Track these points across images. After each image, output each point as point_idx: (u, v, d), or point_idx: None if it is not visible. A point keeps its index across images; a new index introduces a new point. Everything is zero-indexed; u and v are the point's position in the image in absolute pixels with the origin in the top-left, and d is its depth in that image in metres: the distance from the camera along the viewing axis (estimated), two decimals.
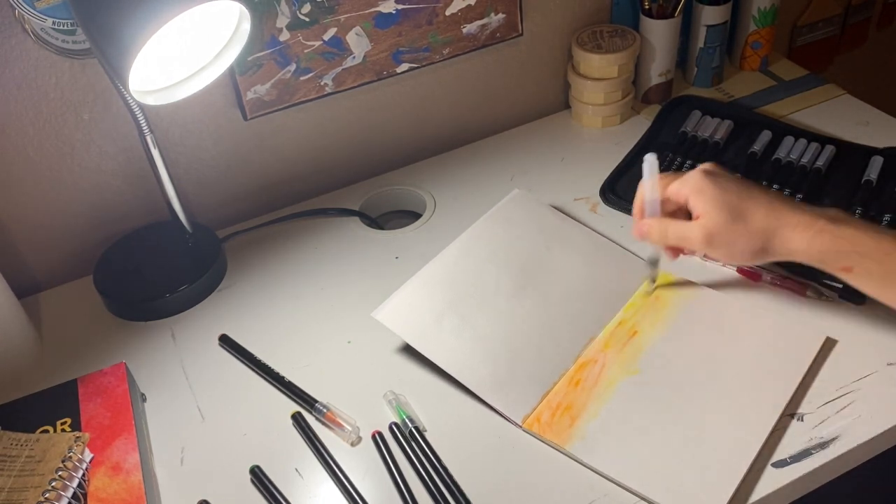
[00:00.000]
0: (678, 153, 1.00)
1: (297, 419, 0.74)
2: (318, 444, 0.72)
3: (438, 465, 0.70)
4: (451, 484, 0.68)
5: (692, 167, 0.96)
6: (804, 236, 0.69)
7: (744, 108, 1.08)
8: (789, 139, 0.99)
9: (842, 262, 0.69)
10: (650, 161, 0.76)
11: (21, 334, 0.84)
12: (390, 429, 0.73)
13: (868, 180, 0.91)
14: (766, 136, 1.00)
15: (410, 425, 0.73)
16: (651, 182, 0.76)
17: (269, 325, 0.86)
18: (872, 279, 0.69)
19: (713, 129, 1.01)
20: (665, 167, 0.99)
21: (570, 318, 0.81)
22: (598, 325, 0.80)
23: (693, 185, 0.73)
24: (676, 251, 0.78)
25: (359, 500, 0.68)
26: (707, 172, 0.73)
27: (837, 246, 0.68)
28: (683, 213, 0.76)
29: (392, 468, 0.70)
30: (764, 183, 0.94)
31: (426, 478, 0.69)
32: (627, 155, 1.02)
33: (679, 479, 0.67)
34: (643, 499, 0.66)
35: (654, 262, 0.82)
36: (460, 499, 0.67)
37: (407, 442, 0.72)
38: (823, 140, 0.98)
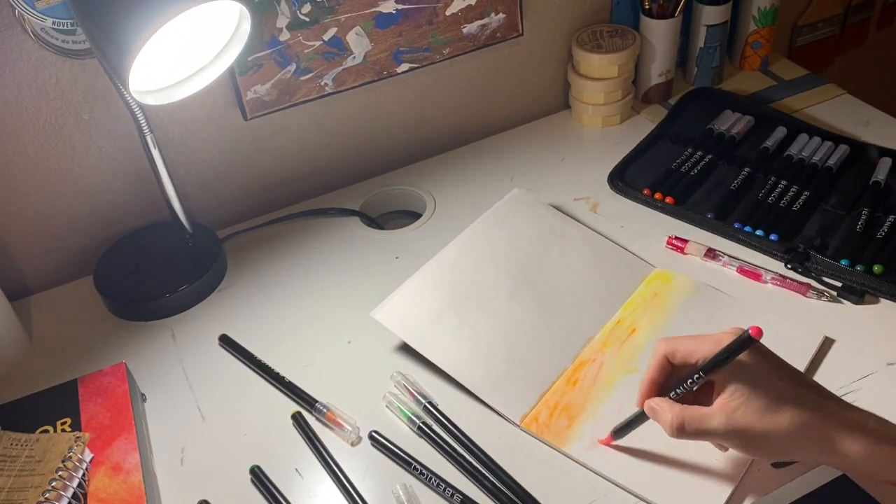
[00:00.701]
0: (690, 145, 1.01)
1: (297, 419, 0.74)
2: (318, 444, 0.72)
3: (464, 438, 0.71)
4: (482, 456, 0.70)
5: (704, 160, 0.98)
6: (860, 441, 0.56)
7: (762, 103, 1.08)
8: (803, 136, 0.99)
9: (890, 479, 0.58)
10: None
11: (10, 335, 0.84)
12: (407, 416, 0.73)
13: (876, 181, 0.91)
14: (780, 132, 1.00)
15: (424, 401, 0.74)
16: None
17: (269, 325, 0.86)
18: None
19: (731, 123, 1.02)
20: (679, 159, 0.99)
21: (568, 317, 0.81)
22: (597, 325, 0.80)
23: (728, 366, 0.59)
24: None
25: (359, 500, 0.68)
26: (744, 343, 0.58)
27: (888, 469, 0.57)
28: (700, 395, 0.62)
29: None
30: (772, 179, 0.94)
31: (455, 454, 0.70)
32: (639, 144, 1.03)
33: (677, 479, 0.67)
34: (641, 499, 0.66)
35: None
36: (493, 469, 0.68)
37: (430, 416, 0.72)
38: (838, 139, 0.98)
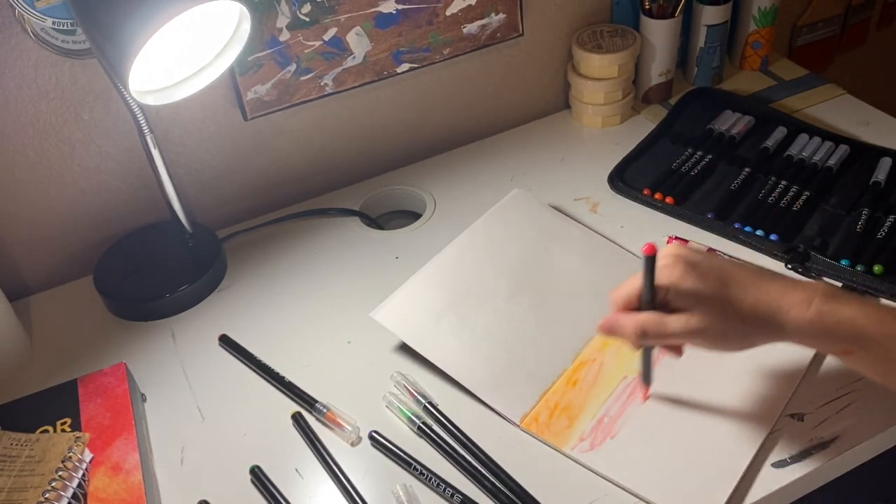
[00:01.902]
0: (690, 145, 1.01)
1: (297, 419, 0.74)
2: (318, 444, 0.72)
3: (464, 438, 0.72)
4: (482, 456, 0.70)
5: (704, 160, 0.98)
6: (801, 319, 0.61)
7: (762, 103, 1.08)
8: (803, 136, 0.99)
9: (841, 345, 0.63)
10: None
11: (10, 335, 0.84)
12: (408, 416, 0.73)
13: (876, 181, 0.91)
14: (780, 132, 1.00)
15: (424, 401, 0.74)
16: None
17: (269, 325, 0.86)
18: (874, 363, 0.62)
19: (731, 123, 1.02)
20: (679, 159, 0.99)
21: (568, 317, 0.81)
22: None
23: (669, 280, 0.63)
24: (677, 350, 0.68)
25: (359, 500, 0.68)
26: (677, 259, 0.63)
27: (838, 328, 0.61)
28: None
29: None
30: (772, 179, 0.94)
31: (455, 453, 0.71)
32: (639, 144, 1.03)
33: (677, 479, 0.67)
34: (641, 499, 0.66)
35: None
36: (493, 468, 0.68)
37: (429, 416, 0.72)
38: (838, 139, 0.98)
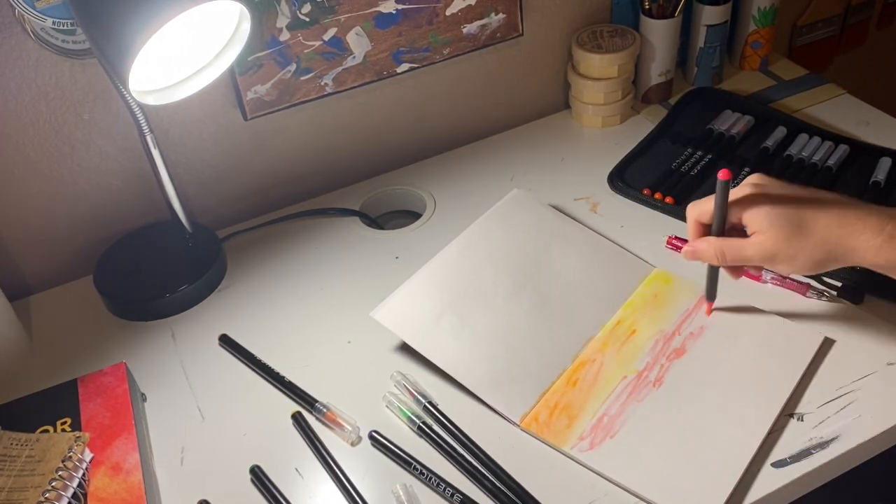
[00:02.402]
0: (690, 145, 1.01)
1: (298, 419, 0.74)
2: (318, 444, 0.72)
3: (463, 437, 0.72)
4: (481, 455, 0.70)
5: (704, 160, 0.98)
6: (872, 244, 0.66)
7: (762, 103, 1.08)
8: (803, 136, 0.99)
9: None
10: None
11: (10, 335, 0.84)
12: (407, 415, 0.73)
13: (876, 181, 0.91)
14: (780, 132, 1.00)
15: (424, 401, 0.74)
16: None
17: (269, 325, 0.86)
18: None
19: (731, 123, 1.02)
20: (679, 159, 0.99)
21: (568, 317, 0.81)
22: (597, 325, 0.80)
23: (744, 203, 0.70)
24: (737, 271, 0.75)
25: (359, 500, 0.68)
26: (756, 185, 0.70)
27: None
28: (738, 231, 0.72)
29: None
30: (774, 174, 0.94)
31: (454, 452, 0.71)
32: (639, 144, 1.03)
33: (676, 478, 0.67)
34: (641, 499, 0.66)
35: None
36: (492, 467, 0.69)
37: (429, 416, 0.72)
38: (838, 139, 0.98)
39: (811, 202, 0.69)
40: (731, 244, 0.71)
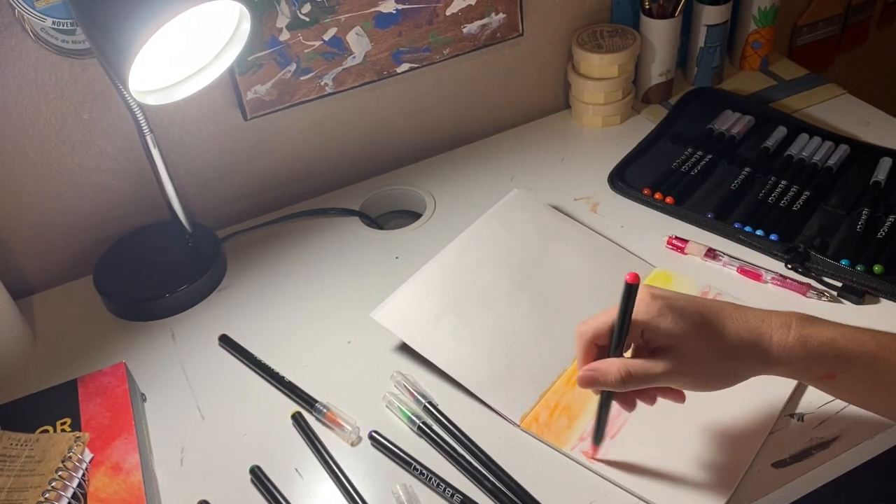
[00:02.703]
0: (690, 145, 1.01)
1: (297, 419, 0.74)
2: (318, 444, 0.72)
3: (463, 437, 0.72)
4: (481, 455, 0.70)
5: (704, 160, 0.98)
6: (784, 343, 0.60)
7: (762, 103, 1.08)
8: (803, 136, 0.99)
9: (824, 369, 0.61)
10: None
11: (15, 335, 0.84)
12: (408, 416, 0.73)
13: (876, 181, 0.91)
14: (780, 132, 1.00)
15: (424, 401, 0.74)
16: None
17: (269, 325, 0.86)
18: (856, 385, 0.63)
19: (731, 123, 1.02)
20: (679, 159, 0.99)
21: (568, 317, 0.81)
22: None
23: (646, 316, 0.60)
24: (631, 402, 0.65)
25: (359, 500, 0.68)
26: (654, 297, 0.61)
27: (820, 350, 0.60)
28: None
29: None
30: (772, 179, 0.94)
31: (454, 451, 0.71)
32: (639, 144, 1.03)
33: (677, 479, 0.67)
34: (641, 499, 0.66)
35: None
36: (491, 466, 0.69)
37: (429, 416, 0.72)
38: (838, 139, 0.98)
39: (715, 310, 0.61)
40: (638, 362, 0.61)
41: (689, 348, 0.60)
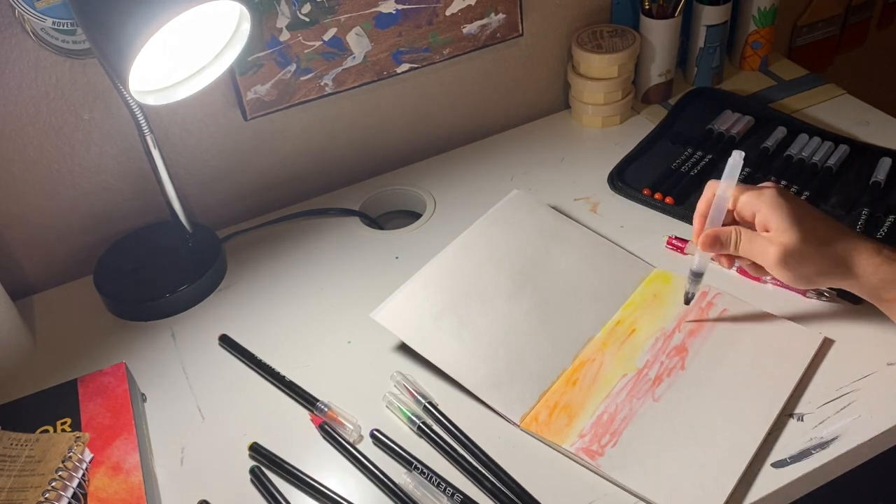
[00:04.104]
0: (690, 145, 1.01)
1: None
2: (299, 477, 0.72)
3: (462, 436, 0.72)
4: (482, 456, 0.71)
5: (704, 160, 0.98)
6: (871, 262, 0.70)
7: (761, 103, 1.08)
8: (803, 136, 0.99)
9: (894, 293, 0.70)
10: (736, 161, 0.72)
11: (15, 335, 0.84)
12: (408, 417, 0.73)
13: (876, 181, 0.91)
14: (780, 132, 1.00)
15: (424, 401, 0.74)
16: (727, 185, 0.73)
17: (269, 325, 0.86)
18: None
19: (731, 123, 1.02)
20: (679, 159, 0.99)
21: (568, 317, 0.81)
22: (597, 325, 0.80)
23: (769, 200, 0.71)
24: (732, 260, 0.76)
25: (359, 501, 0.68)
26: (780, 190, 0.72)
27: None
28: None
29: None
30: (772, 178, 0.94)
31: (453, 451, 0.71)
32: (639, 144, 1.03)
33: (676, 478, 0.67)
34: (641, 499, 0.66)
35: (698, 275, 0.77)
36: (489, 464, 0.68)
37: (429, 417, 0.72)
38: (838, 139, 0.98)
39: (824, 217, 0.72)
40: (749, 236, 0.72)
41: (796, 238, 0.69)
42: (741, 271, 0.84)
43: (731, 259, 0.76)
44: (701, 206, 0.75)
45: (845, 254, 0.70)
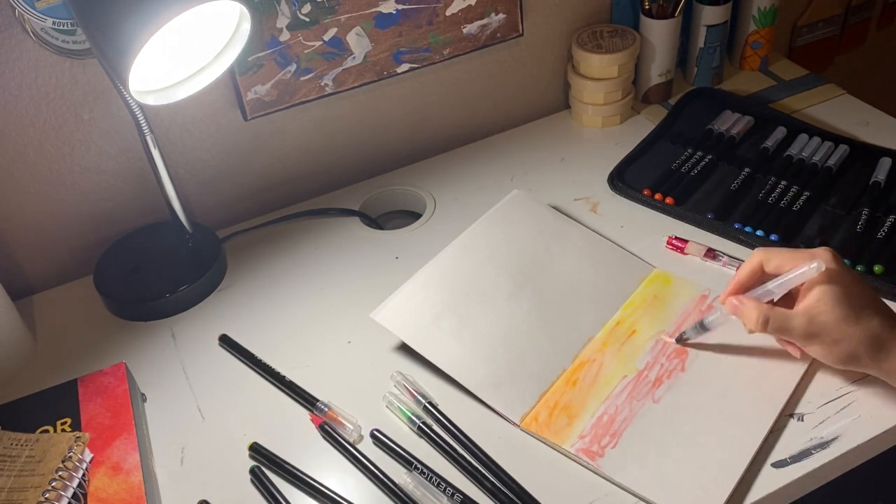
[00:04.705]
0: (690, 145, 1.01)
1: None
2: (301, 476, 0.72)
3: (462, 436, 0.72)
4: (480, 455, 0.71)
5: (704, 160, 0.98)
6: None
7: (761, 103, 1.08)
8: (803, 136, 0.99)
9: None
10: (813, 269, 0.66)
11: (15, 335, 0.84)
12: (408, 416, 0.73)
13: (876, 181, 0.91)
14: (780, 132, 1.00)
15: (424, 401, 0.74)
16: (792, 281, 0.68)
17: (269, 325, 0.86)
18: None
19: (731, 123, 1.02)
20: (679, 159, 0.99)
21: (568, 318, 0.81)
22: (597, 325, 0.80)
23: (816, 275, 0.67)
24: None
25: (359, 501, 0.68)
26: (832, 261, 0.67)
27: None
28: (783, 301, 0.70)
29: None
30: (772, 179, 0.94)
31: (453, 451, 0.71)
32: (639, 144, 1.03)
33: (676, 478, 0.67)
34: (641, 499, 0.66)
35: (705, 329, 0.75)
36: (489, 464, 0.69)
37: (429, 418, 0.72)
38: (837, 139, 0.98)
39: (873, 298, 0.68)
40: (778, 312, 0.67)
41: (832, 317, 0.66)
42: None
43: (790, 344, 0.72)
44: (742, 276, 0.71)
45: (884, 342, 0.66)
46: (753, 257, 0.71)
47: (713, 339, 0.77)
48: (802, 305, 0.67)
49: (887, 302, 0.79)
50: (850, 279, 0.67)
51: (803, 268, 0.67)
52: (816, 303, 0.66)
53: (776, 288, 0.69)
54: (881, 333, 0.66)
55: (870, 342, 0.66)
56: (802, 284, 0.68)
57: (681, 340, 0.77)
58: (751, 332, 0.70)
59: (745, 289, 0.71)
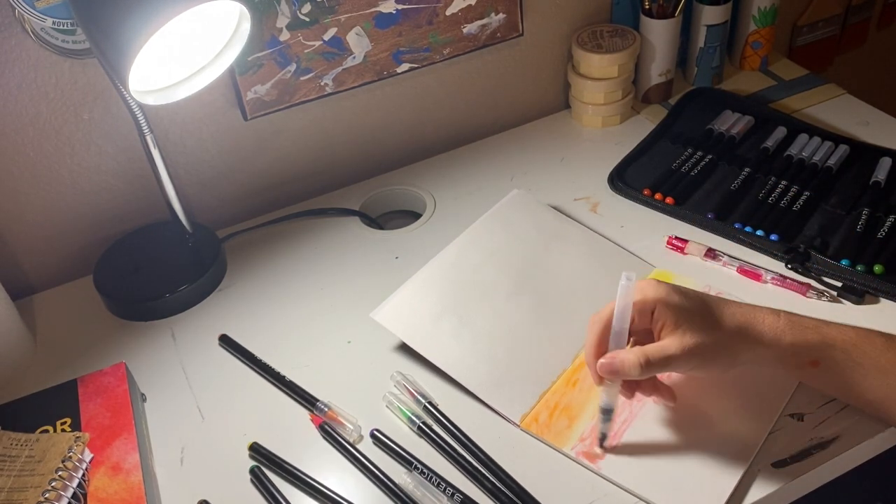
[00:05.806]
0: (690, 145, 1.01)
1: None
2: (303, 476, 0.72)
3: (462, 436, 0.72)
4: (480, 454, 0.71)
5: (704, 160, 0.98)
6: (776, 327, 0.65)
7: (761, 103, 1.08)
8: (803, 136, 0.99)
9: (810, 355, 0.65)
10: (628, 282, 0.64)
11: (15, 335, 0.84)
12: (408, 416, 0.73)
13: (876, 181, 0.91)
14: (780, 132, 1.00)
15: (424, 401, 0.74)
16: (624, 306, 0.64)
17: (269, 325, 0.86)
18: (837, 373, 0.65)
19: (731, 123, 1.02)
20: (679, 159, 0.99)
21: (568, 318, 0.81)
22: None
23: (656, 294, 0.64)
24: (632, 390, 0.69)
25: (359, 501, 0.68)
26: (659, 281, 0.66)
27: (806, 336, 0.64)
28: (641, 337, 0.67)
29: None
30: (772, 179, 0.94)
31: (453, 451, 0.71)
32: (639, 144, 1.03)
33: (677, 479, 0.67)
34: (641, 499, 0.66)
35: (607, 412, 0.68)
36: (489, 464, 0.69)
37: (429, 418, 0.72)
38: (838, 139, 0.98)
39: (708, 297, 0.67)
40: (653, 347, 0.64)
41: (696, 325, 0.64)
42: (741, 271, 0.84)
43: (633, 388, 0.69)
44: (591, 343, 0.66)
45: (747, 327, 0.65)
46: (590, 328, 0.67)
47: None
48: (665, 332, 0.64)
49: (887, 301, 0.80)
50: (680, 289, 0.66)
51: (619, 290, 0.64)
52: (675, 321, 0.64)
53: (616, 323, 0.65)
54: (737, 322, 0.65)
55: (737, 334, 0.65)
56: (660, 330, 0.65)
57: (602, 443, 0.69)
58: (637, 379, 0.66)
59: (601, 351, 0.66)
